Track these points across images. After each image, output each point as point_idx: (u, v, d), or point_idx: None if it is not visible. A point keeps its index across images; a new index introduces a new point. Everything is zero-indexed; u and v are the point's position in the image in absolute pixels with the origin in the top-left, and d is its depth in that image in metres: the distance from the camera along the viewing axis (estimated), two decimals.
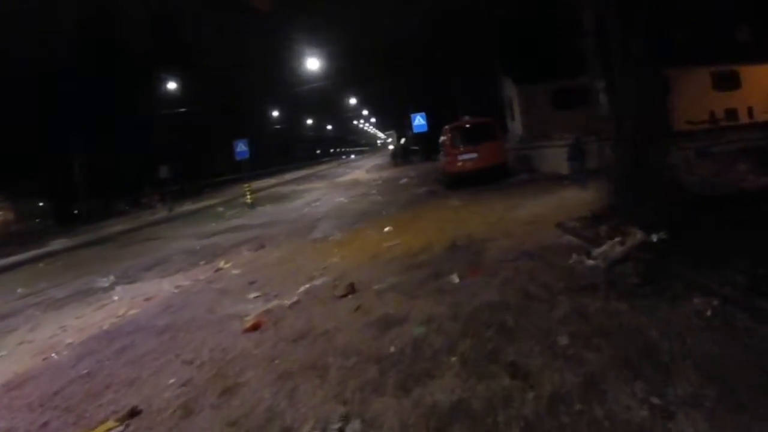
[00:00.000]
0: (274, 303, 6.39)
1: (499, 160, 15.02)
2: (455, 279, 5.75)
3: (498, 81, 31.96)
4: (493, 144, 15.15)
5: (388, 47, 34.11)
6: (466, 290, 5.26)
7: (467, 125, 15.79)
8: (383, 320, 4.88)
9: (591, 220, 6.90)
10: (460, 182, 15.24)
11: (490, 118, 16.20)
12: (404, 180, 23.90)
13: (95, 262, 14.30)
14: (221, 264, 10.25)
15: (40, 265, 16.03)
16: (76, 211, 35.05)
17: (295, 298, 6.32)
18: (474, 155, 15.01)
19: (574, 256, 5.71)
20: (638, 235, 5.69)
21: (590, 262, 5.50)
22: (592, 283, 4.92)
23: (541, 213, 8.76)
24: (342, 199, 19.94)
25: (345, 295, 6.01)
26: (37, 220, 33.94)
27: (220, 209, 24.34)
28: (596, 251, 5.68)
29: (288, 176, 49.64)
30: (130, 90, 36.22)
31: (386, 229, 10.06)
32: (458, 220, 9.64)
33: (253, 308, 6.35)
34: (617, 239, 5.81)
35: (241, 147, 21.14)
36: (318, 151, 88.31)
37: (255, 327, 5.60)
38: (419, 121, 22.12)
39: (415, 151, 45.89)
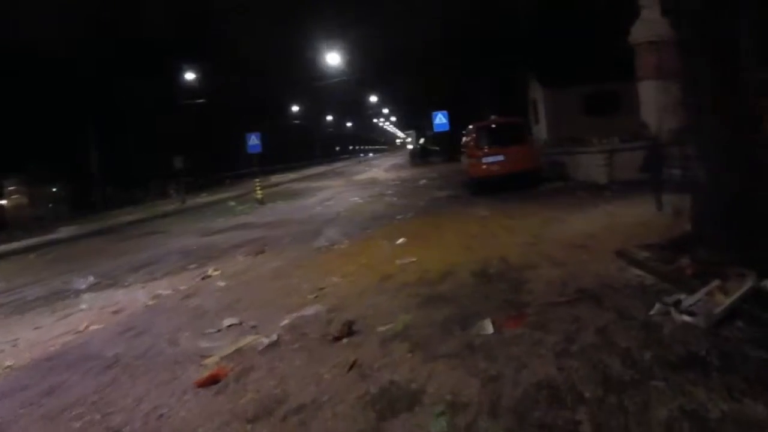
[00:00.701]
0: (249, 340, 4.81)
1: (530, 165, 13.28)
2: (488, 328, 4.10)
3: (524, 82, 30.09)
4: (522, 147, 13.43)
5: (414, 45, 32.54)
6: (507, 352, 3.61)
7: (493, 125, 14.08)
8: (386, 395, 3.26)
9: (665, 250, 5.18)
10: (485, 187, 13.54)
11: (519, 117, 14.45)
12: (423, 181, 22.25)
13: (86, 257, 13.02)
14: (210, 271, 8.78)
15: (31, 256, 14.74)
16: (93, 198, 34.06)
17: (275, 336, 4.73)
18: (500, 158, 13.30)
19: (657, 306, 4.03)
20: (749, 280, 3.98)
21: (683, 317, 3.82)
22: (696, 356, 3.25)
23: (590, 233, 7.05)
24: (356, 198, 18.38)
25: (339, 338, 4.41)
26: (50, 206, 33.09)
27: (232, 203, 22.95)
28: (687, 300, 3.98)
29: (306, 172, 48.25)
30: (150, 77, 35.15)
31: (400, 240, 8.43)
32: (487, 236, 7.96)
33: (220, 346, 4.79)
34: (715, 283, 4.10)
35: (254, 140, 19.68)
36: (337, 148, 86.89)
37: (213, 379, 4.03)
38: (440, 119, 20.39)
39: (435, 151, 44.19)
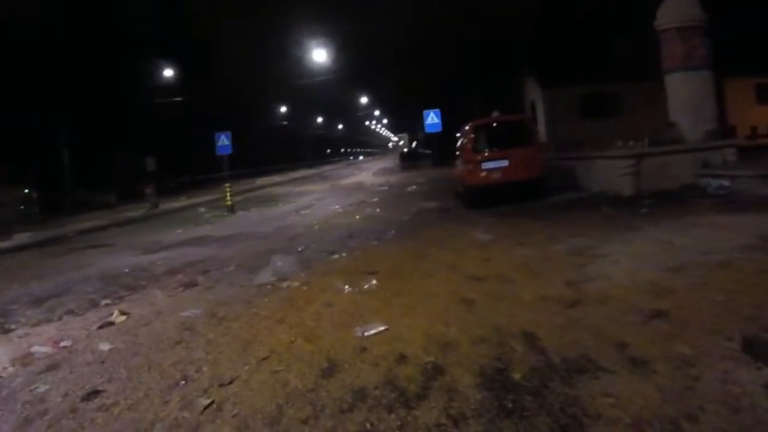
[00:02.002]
0: None
1: (535, 172, 10.64)
2: None
3: (521, 82, 27.55)
4: (529, 150, 10.79)
5: (407, 42, 29.97)
6: None
7: (495, 123, 11.37)
8: None
9: None
10: (482, 198, 10.92)
11: (525, 114, 11.81)
12: (413, 188, 19.60)
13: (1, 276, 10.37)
14: (116, 315, 6.20)
15: None
16: (64, 201, 31.06)
17: None
18: (503, 163, 10.64)
19: None
20: None
21: None
22: None
23: (656, 282, 4.38)
24: (336, 207, 15.70)
25: None
26: (22, 208, 30.18)
27: (201, 210, 20.18)
28: None
29: (293, 175, 45.45)
30: (125, 75, 32.29)
31: (369, 283, 5.72)
32: (494, 280, 5.24)
33: None
34: None
35: (223, 141, 16.94)
36: (328, 151, 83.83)
37: None
38: (432, 119, 17.68)
39: (426, 155, 41.51)
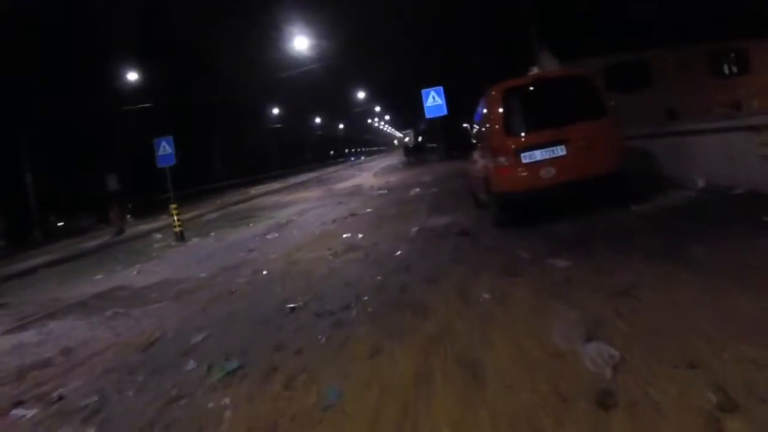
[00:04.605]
0: None
1: (613, 163, 6.13)
2: None
3: (533, 55, 22.96)
4: (599, 125, 6.25)
5: (400, 24, 25.64)
6: None
7: (537, 85, 6.74)
8: None
9: None
10: (520, 211, 6.54)
11: (585, 69, 7.12)
12: (416, 191, 15.17)
13: None
14: None
15: None
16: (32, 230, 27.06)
17: None
18: (557, 151, 6.12)
19: None
20: None
21: None
22: None
23: None
24: (315, 226, 11.34)
25: None
26: None
27: (158, 236, 15.92)
28: None
29: (291, 180, 41.20)
30: (99, 81, 28.21)
31: None
32: None
33: None
34: None
35: (165, 148, 12.58)
36: (331, 152, 79.20)
37: None
38: (433, 100, 13.01)
39: (433, 149, 36.99)
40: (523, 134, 6.43)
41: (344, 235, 8.89)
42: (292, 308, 4.90)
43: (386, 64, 30.73)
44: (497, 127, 6.51)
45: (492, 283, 4.41)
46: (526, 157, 6.22)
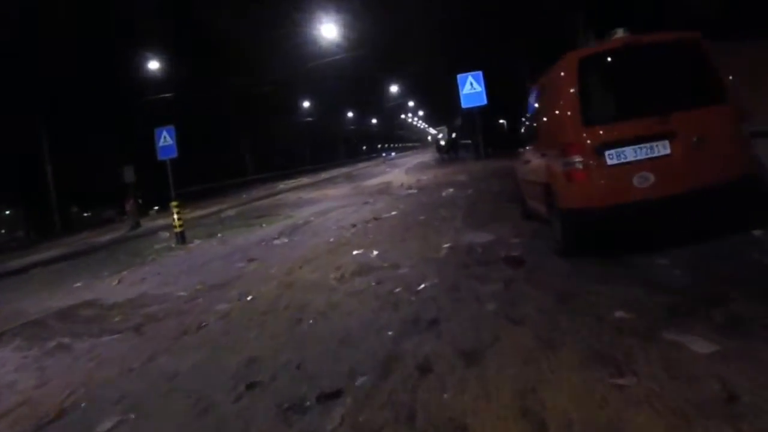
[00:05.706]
0: None
1: (738, 167, 4.18)
2: None
3: (577, 39, 20.60)
4: (715, 114, 4.29)
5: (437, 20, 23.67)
6: None
7: (626, 53, 4.52)
8: None
9: None
10: (604, 238, 4.60)
11: (692, 33, 4.98)
12: (449, 191, 13.27)
13: None
14: None
15: None
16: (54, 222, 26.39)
17: None
18: (658, 150, 4.20)
19: None
20: None
21: None
22: None
23: None
24: (332, 232, 9.61)
25: None
26: (2, 231, 25.90)
27: (164, 235, 14.54)
28: None
29: (317, 176, 39.73)
30: (125, 71, 27.26)
31: None
32: None
33: None
34: None
35: (166, 140, 11.05)
36: (364, 148, 77.38)
37: None
38: (471, 87, 10.85)
39: (467, 145, 34.75)
40: (607, 124, 4.44)
41: (356, 252, 7.05)
42: (250, 385, 3.12)
43: (420, 58, 28.69)
44: (569, 113, 4.52)
45: (581, 377, 2.50)
46: (612, 157, 4.25)
